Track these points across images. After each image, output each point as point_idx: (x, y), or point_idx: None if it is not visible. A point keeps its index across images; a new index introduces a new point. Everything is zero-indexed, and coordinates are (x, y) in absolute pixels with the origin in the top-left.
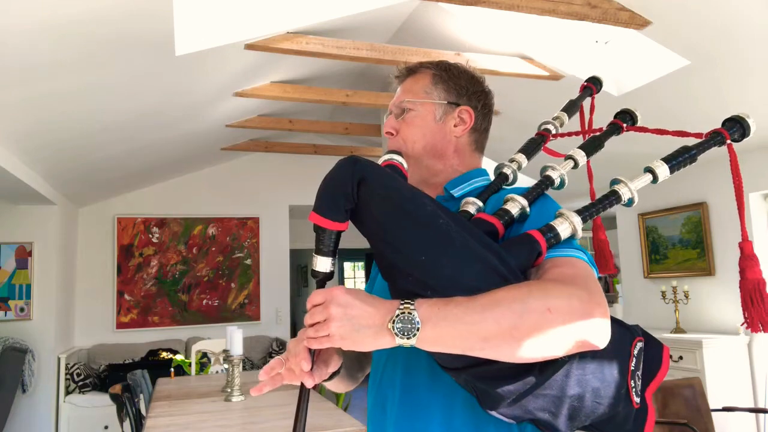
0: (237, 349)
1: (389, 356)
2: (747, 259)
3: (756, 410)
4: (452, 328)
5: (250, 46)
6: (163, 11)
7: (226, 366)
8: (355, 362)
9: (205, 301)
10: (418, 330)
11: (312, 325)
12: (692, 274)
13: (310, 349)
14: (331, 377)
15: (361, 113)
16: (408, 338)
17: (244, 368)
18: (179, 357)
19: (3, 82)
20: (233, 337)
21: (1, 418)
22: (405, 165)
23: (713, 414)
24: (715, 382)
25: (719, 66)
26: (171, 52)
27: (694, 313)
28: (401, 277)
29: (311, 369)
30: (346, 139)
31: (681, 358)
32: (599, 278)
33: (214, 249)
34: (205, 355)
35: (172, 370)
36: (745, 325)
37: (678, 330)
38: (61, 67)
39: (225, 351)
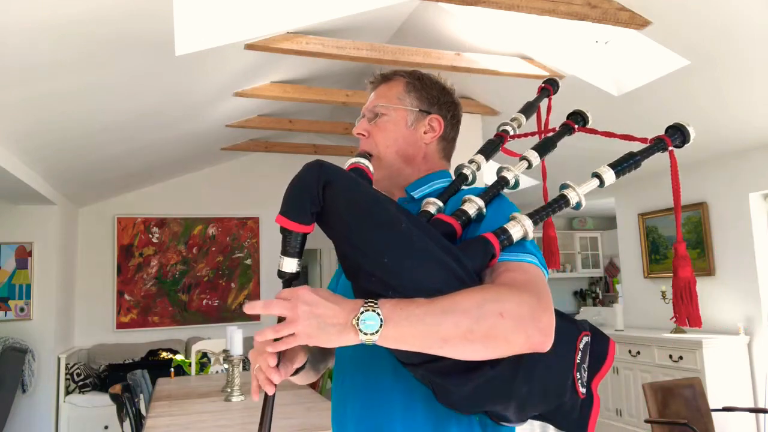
0: (237, 349)
1: (352, 354)
2: (680, 259)
3: (756, 410)
4: (413, 327)
5: (250, 46)
6: (163, 11)
7: (226, 366)
8: (318, 356)
9: (205, 301)
10: (381, 328)
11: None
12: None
13: None
14: (296, 372)
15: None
16: (371, 335)
17: (244, 368)
18: (179, 357)
19: (3, 82)
20: (233, 337)
21: (1, 418)
22: (371, 168)
23: (713, 414)
24: (715, 382)
25: (719, 66)
26: (171, 52)
27: None
28: (364, 278)
29: (277, 365)
30: (346, 139)
31: (681, 358)
32: (600, 278)
33: (214, 249)
34: (205, 355)
35: (172, 370)
36: (674, 318)
37: (678, 330)
38: (61, 67)
39: (225, 351)
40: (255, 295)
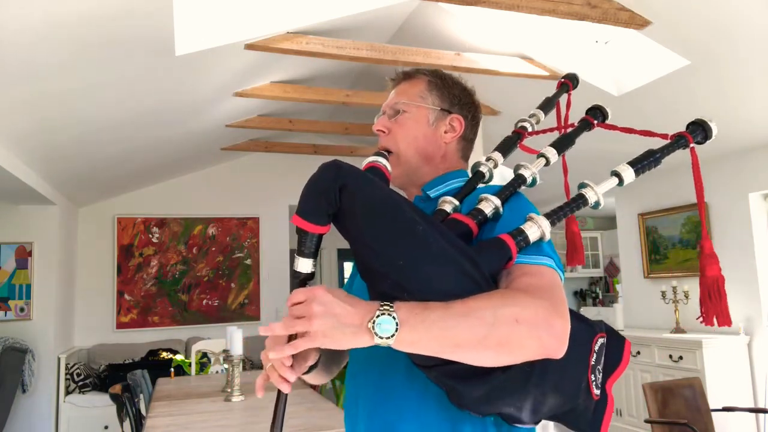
0: (237, 349)
1: (367, 352)
2: (707, 257)
3: (756, 410)
4: (428, 332)
5: (250, 46)
6: (163, 11)
7: (226, 366)
8: (331, 356)
9: (205, 301)
10: (396, 331)
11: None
12: (692, 274)
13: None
14: (309, 371)
15: (361, 113)
16: (386, 339)
17: (244, 368)
18: (179, 357)
19: (3, 83)
20: (233, 337)
21: (1, 417)
22: (389, 168)
23: (713, 414)
24: (715, 382)
25: (719, 66)
26: (171, 52)
27: (694, 313)
28: (379, 280)
29: (291, 365)
30: (346, 139)
31: (681, 358)
32: (600, 278)
33: (214, 249)
34: (205, 355)
35: (172, 370)
36: (701, 318)
37: (678, 330)
38: (61, 67)
39: (225, 351)
40: (255, 295)
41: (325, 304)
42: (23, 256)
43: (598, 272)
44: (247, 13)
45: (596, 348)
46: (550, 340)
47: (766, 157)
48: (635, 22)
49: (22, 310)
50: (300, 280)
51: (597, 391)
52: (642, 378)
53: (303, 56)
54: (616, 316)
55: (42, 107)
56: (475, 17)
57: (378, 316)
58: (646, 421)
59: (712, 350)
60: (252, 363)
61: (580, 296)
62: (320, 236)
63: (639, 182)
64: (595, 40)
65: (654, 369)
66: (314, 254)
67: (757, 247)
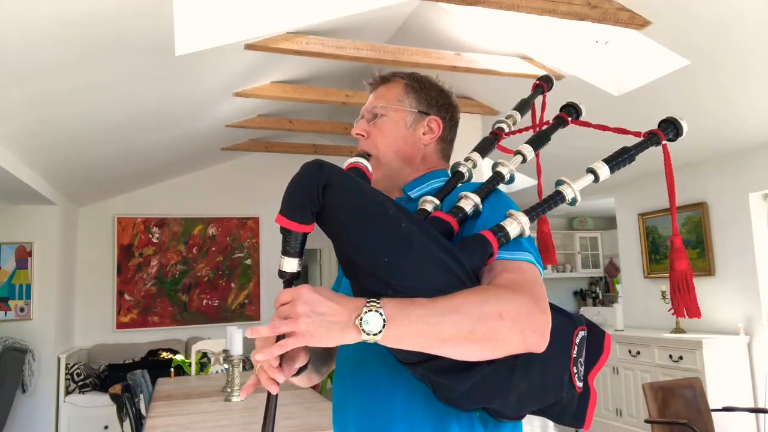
0: (237, 349)
1: (353, 353)
2: (676, 251)
3: (756, 410)
4: (414, 327)
5: (250, 46)
6: (163, 11)
7: (226, 366)
8: (320, 357)
9: (205, 301)
10: (383, 327)
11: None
12: (692, 275)
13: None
14: (298, 372)
15: None
16: (374, 335)
17: (244, 368)
18: (179, 357)
19: (3, 83)
20: (233, 337)
21: (1, 417)
22: (369, 168)
23: (713, 414)
24: (715, 382)
25: (719, 66)
26: (171, 52)
27: None
28: (364, 277)
29: (280, 365)
30: (346, 139)
31: (681, 358)
32: (600, 279)
33: (214, 249)
34: (205, 355)
35: (172, 370)
36: (672, 311)
37: (678, 330)
38: (62, 68)
39: (225, 351)
40: (255, 295)
41: (309, 303)
42: (23, 256)
43: (598, 272)
44: (247, 13)
45: (577, 341)
46: (532, 335)
47: (766, 157)
48: (635, 22)
49: (22, 310)
50: (286, 280)
51: (580, 384)
52: (642, 378)
53: (303, 56)
54: (616, 316)
55: (42, 107)
56: (475, 17)
57: (365, 312)
58: (647, 421)
59: (712, 350)
60: (252, 363)
61: (580, 296)
62: (305, 235)
63: (639, 182)
64: (595, 40)
65: (654, 369)
66: (299, 254)
67: (757, 247)
